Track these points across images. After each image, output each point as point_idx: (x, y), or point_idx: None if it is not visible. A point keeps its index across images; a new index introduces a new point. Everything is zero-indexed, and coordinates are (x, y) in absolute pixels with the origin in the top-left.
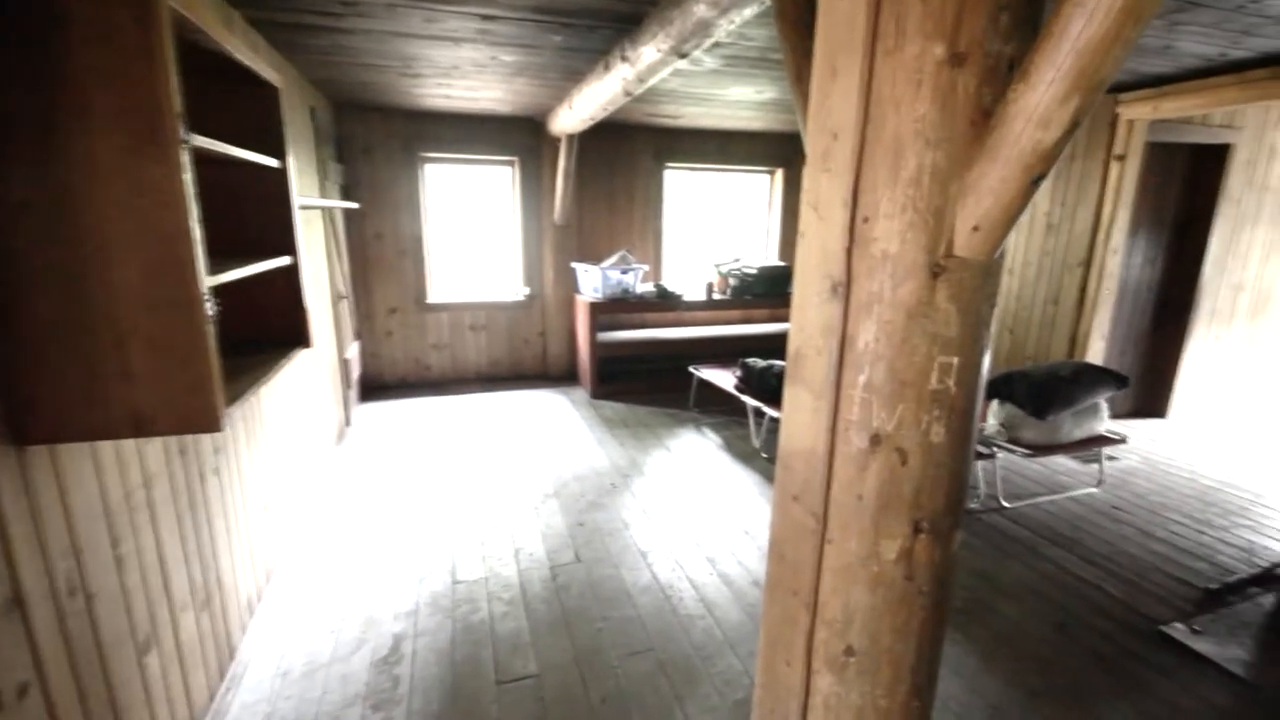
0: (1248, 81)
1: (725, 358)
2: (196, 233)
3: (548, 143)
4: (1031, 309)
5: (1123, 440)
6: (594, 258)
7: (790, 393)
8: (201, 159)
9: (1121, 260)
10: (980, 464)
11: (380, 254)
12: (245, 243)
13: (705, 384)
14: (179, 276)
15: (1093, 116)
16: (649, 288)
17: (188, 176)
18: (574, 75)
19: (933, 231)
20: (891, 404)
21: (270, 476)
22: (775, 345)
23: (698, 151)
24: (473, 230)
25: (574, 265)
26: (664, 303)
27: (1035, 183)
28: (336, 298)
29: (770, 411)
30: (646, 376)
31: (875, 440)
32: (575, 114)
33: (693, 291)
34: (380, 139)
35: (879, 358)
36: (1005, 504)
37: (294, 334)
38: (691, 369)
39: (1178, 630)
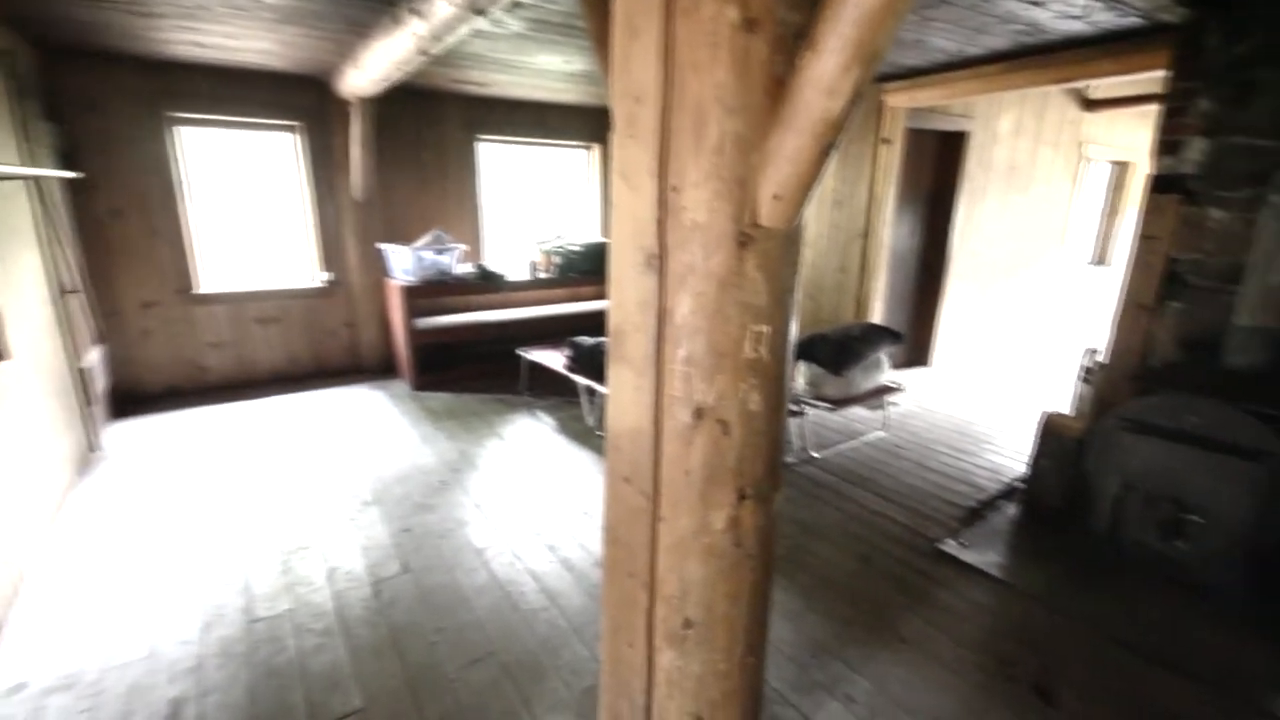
0: (981, 75)
1: (554, 338)
2: None
3: (338, 107)
4: (825, 276)
5: (901, 389)
6: (406, 237)
7: (614, 372)
8: None
9: (892, 231)
10: (794, 421)
11: (122, 236)
12: None
13: (536, 366)
14: None
15: (864, 104)
16: (469, 268)
17: None
18: (358, 28)
19: (738, 200)
20: (711, 376)
21: None
22: (604, 323)
23: (511, 123)
24: (253, 207)
25: (381, 246)
26: (486, 284)
27: (827, 151)
28: (60, 292)
29: (602, 389)
30: (473, 363)
31: (698, 414)
32: (366, 74)
33: (517, 271)
34: (112, 94)
35: (696, 330)
36: (815, 454)
37: None
38: (520, 352)
39: (950, 546)
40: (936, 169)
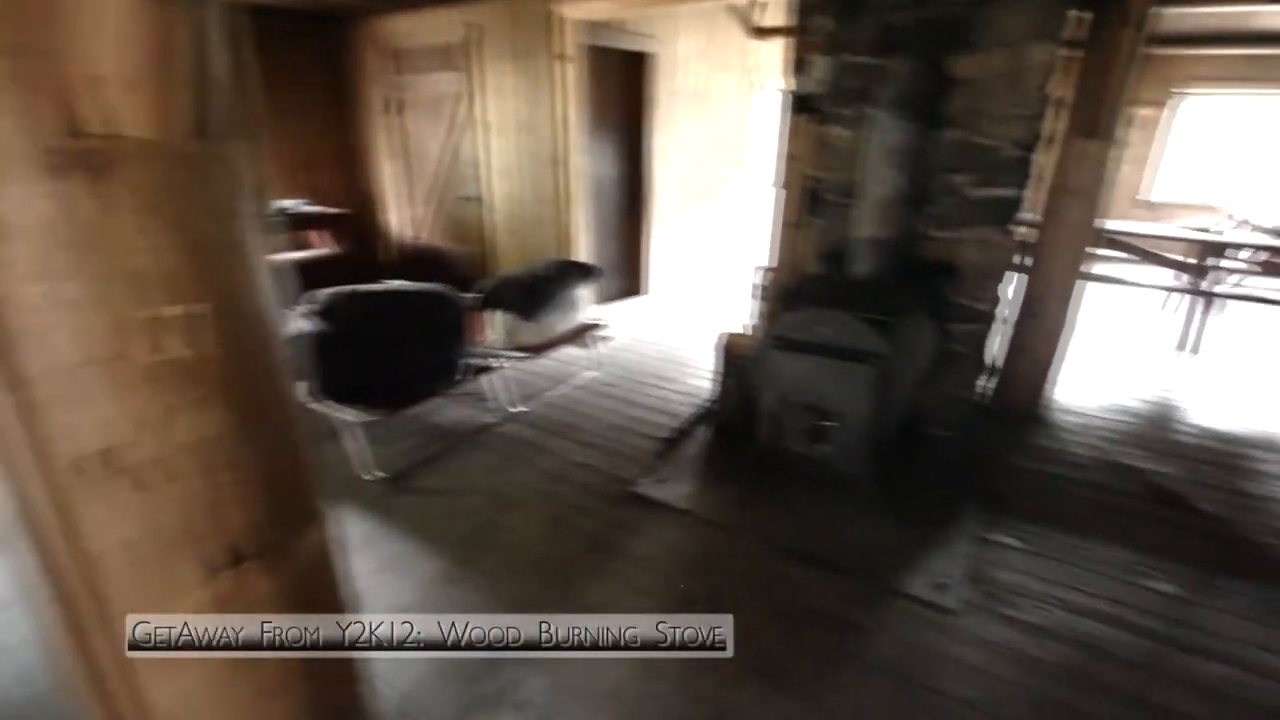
0: None
1: None
2: None
3: None
4: (525, 209)
5: (603, 325)
6: None
7: None
8: None
9: (589, 158)
10: (491, 376)
11: None
12: None
13: None
14: None
15: (533, 14)
16: None
17: None
18: None
19: (42, 85)
20: (92, 400)
21: None
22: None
23: None
24: None
25: None
26: None
27: None
28: None
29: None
30: None
31: (89, 464)
32: None
33: None
34: None
35: (49, 326)
36: (520, 408)
37: None
38: None
39: (644, 485)
40: (627, 92)
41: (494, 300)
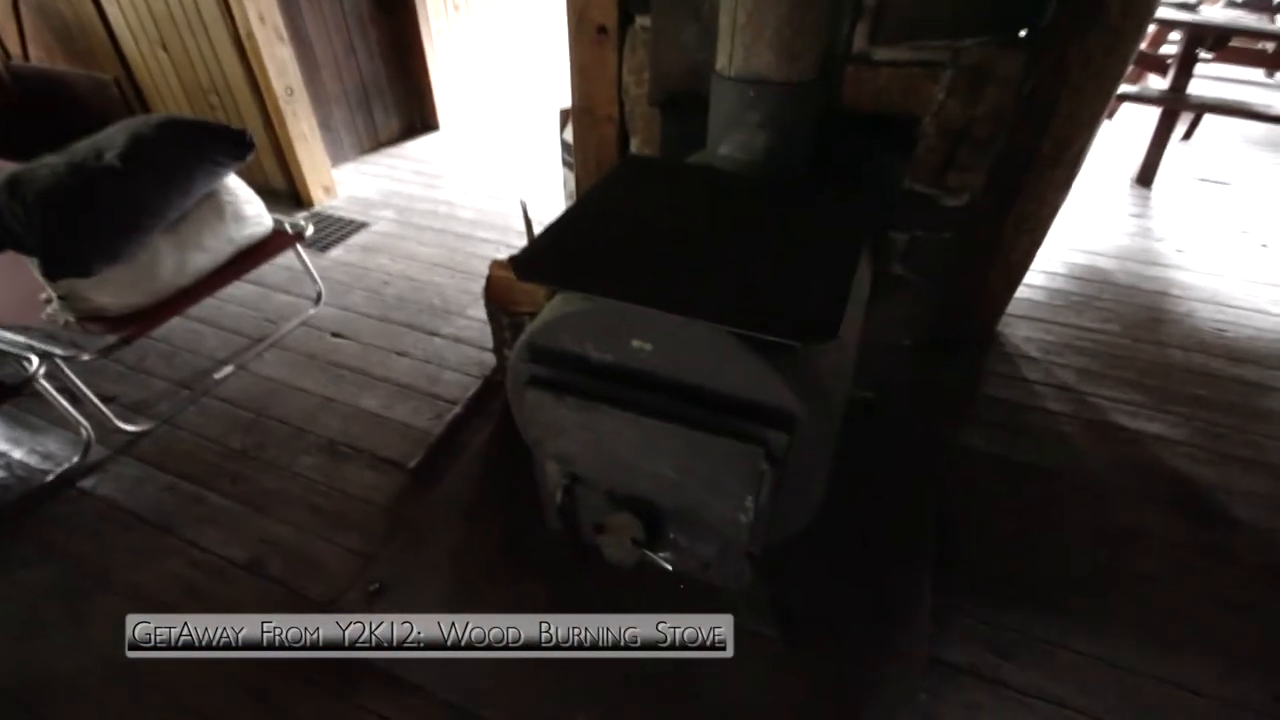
0: None
1: None
2: None
3: None
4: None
5: (301, 234)
6: None
7: None
8: None
9: None
10: (61, 376)
11: None
12: None
13: None
14: None
15: None
16: None
17: None
18: None
19: None
20: None
21: None
22: None
23: None
24: None
25: None
26: None
27: None
28: None
29: None
30: None
31: None
32: None
33: None
34: None
35: None
36: (136, 427)
37: None
38: None
39: (349, 612)
40: None
41: None
